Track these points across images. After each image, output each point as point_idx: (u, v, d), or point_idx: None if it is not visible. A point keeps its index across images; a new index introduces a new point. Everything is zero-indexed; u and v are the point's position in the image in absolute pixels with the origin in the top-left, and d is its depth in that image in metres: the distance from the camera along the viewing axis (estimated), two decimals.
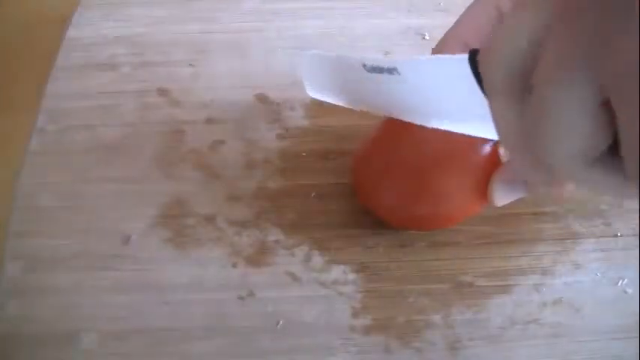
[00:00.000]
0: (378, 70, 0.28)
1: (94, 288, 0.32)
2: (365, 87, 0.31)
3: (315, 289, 0.32)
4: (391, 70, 0.28)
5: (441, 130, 0.29)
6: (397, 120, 0.30)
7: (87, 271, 0.33)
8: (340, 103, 0.34)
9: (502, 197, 0.29)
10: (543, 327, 0.31)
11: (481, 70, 0.20)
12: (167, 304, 0.32)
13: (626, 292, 0.32)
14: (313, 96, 0.35)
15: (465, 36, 0.29)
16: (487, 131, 0.24)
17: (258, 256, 0.33)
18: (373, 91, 0.30)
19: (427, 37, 0.43)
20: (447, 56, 0.24)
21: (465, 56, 0.22)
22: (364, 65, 0.29)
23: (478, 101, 0.22)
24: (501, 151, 0.30)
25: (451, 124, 0.27)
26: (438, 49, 0.30)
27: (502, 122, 0.20)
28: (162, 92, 0.40)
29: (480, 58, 0.20)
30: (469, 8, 0.29)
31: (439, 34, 0.30)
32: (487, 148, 0.29)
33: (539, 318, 0.32)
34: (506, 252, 0.34)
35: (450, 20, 0.29)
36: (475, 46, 0.29)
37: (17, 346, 0.30)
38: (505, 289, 0.33)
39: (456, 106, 0.26)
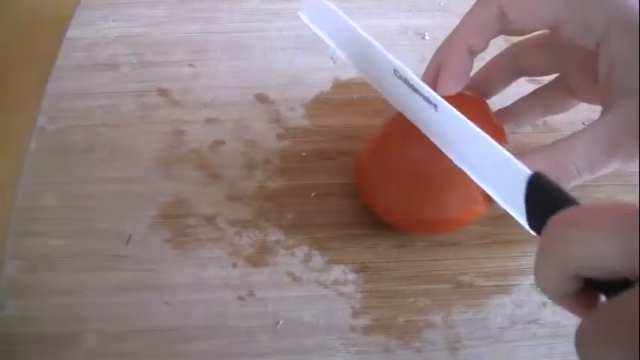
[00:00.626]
0: (411, 87, 0.28)
1: (94, 288, 0.32)
2: (384, 79, 0.30)
3: (315, 289, 0.32)
4: (429, 100, 0.28)
5: None
6: (403, 121, 0.30)
7: (87, 271, 0.33)
8: (337, 49, 0.32)
9: None
10: (543, 327, 0.31)
11: (544, 245, 0.20)
12: (167, 304, 0.32)
13: None
14: (308, 24, 0.32)
15: (467, 38, 0.29)
16: (502, 200, 0.25)
17: (258, 256, 0.33)
18: (394, 91, 0.30)
19: (427, 37, 0.43)
20: (504, 154, 0.24)
21: (525, 173, 0.23)
22: (395, 71, 0.29)
23: (510, 188, 0.23)
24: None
25: (469, 170, 0.27)
26: (441, 51, 0.30)
27: (541, 275, 0.20)
28: (162, 92, 0.40)
29: (546, 246, 0.20)
30: (472, 9, 0.29)
31: (439, 34, 0.30)
32: None
33: (539, 318, 0.32)
34: (506, 252, 0.34)
35: (450, 20, 0.30)
36: (477, 47, 0.29)
37: (17, 346, 0.30)
38: (505, 289, 0.33)
39: (484, 169, 0.26)
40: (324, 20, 0.32)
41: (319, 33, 0.32)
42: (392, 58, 0.29)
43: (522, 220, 0.24)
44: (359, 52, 0.31)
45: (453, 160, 0.28)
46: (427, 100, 0.28)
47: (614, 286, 0.18)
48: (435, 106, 0.27)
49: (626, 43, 0.25)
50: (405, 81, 0.28)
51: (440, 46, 0.30)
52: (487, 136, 0.26)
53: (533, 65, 0.32)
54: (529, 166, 0.26)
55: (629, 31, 0.25)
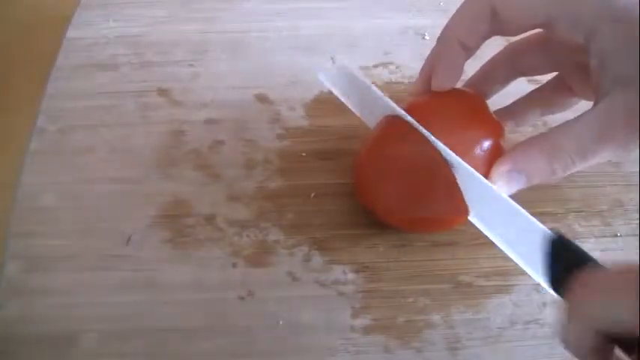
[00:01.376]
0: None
1: (94, 288, 0.32)
2: None
3: (315, 289, 0.32)
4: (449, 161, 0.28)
5: (441, 131, 0.29)
6: (399, 121, 0.30)
7: (87, 271, 0.33)
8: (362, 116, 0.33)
9: (502, 189, 0.29)
10: (543, 327, 0.31)
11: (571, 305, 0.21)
12: (167, 304, 0.32)
13: None
14: (327, 85, 0.34)
15: (457, 33, 0.29)
16: (521, 259, 0.26)
17: (258, 256, 0.33)
18: None
19: (427, 37, 0.43)
20: (524, 214, 0.25)
21: (547, 234, 0.24)
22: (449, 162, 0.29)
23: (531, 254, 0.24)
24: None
25: (487, 230, 0.28)
26: (436, 50, 0.30)
27: (567, 333, 0.21)
28: (162, 92, 0.40)
29: (571, 307, 0.21)
30: (462, 5, 0.29)
31: (439, 34, 0.30)
32: (487, 148, 0.29)
33: (539, 318, 0.32)
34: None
35: None
36: (469, 43, 0.29)
37: (17, 346, 0.30)
38: (505, 289, 0.33)
39: (503, 229, 0.27)
40: (347, 86, 0.33)
41: (341, 97, 0.33)
42: (428, 134, 0.29)
43: (541, 279, 0.25)
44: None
45: (472, 221, 0.28)
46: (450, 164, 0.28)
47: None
48: (454, 167, 0.28)
49: (616, 35, 0.25)
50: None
51: (435, 45, 0.30)
52: (507, 197, 0.26)
53: (530, 65, 0.32)
54: (523, 157, 0.27)
55: (618, 23, 0.25)
